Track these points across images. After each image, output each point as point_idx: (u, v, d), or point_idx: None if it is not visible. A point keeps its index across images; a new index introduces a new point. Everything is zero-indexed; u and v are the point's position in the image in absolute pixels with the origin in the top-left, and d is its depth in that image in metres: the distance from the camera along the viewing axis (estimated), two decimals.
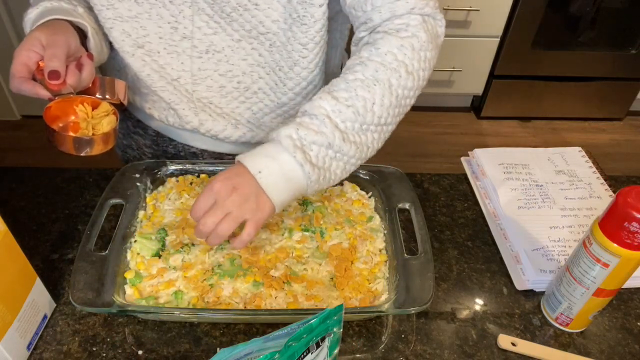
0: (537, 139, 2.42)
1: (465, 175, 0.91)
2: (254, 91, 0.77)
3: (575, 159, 0.91)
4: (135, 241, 0.70)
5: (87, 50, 0.69)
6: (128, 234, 0.70)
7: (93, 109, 0.67)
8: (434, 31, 0.69)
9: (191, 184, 0.79)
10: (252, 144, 0.84)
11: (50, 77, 0.61)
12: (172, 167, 0.79)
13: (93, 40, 0.70)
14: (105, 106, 0.67)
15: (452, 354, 0.64)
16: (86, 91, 0.67)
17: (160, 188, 0.78)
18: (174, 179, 0.79)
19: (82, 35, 0.69)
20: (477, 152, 0.91)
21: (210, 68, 0.74)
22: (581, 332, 0.67)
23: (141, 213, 0.74)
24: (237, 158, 0.62)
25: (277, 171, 0.60)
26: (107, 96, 0.70)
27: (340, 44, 0.84)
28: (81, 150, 0.64)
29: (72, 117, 0.67)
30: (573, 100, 2.43)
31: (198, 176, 0.80)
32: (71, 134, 0.65)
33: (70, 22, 0.67)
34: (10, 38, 2.07)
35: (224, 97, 0.78)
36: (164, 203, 0.76)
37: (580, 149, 0.93)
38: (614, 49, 2.24)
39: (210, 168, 0.80)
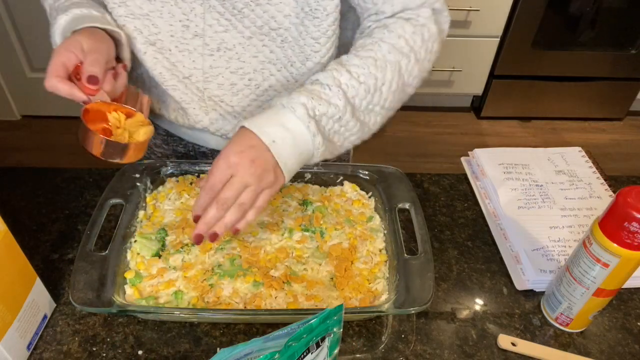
0: (537, 139, 2.42)
1: (465, 175, 0.91)
2: (265, 88, 0.77)
3: (575, 159, 0.91)
4: (135, 241, 0.70)
5: (119, 59, 0.70)
6: (128, 234, 0.70)
7: (126, 119, 0.67)
8: (441, 26, 0.72)
9: (191, 184, 0.79)
10: None
11: (89, 82, 0.61)
12: (172, 167, 0.79)
13: (127, 50, 0.71)
14: (141, 116, 0.68)
15: (452, 354, 0.64)
16: (114, 100, 0.67)
17: (160, 188, 0.78)
18: (174, 179, 0.79)
19: (116, 44, 0.70)
20: (477, 152, 0.91)
21: (222, 66, 0.75)
22: (581, 332, 0.67)
23: (141, 213, 0.74)
24: (246, 124, 0.61)
25: (291, 142, 0.60)
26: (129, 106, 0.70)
27: (352, 43, 0.84)
28: (113, 156, 0.64)
29: (104, 124, 0.67)
30: (573, 100, 2.43)
31: (198, 176, 0.80)
32: (107, 138, 0.65)
33: (106, 31, 0.68)
34: (11, 38, 2.07)
35: (235, 95, 0.78)
36: (164, 203, 0.76)
37: (580, 149, 0.93)
38: (614, 49, 2.24)
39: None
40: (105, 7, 0.72)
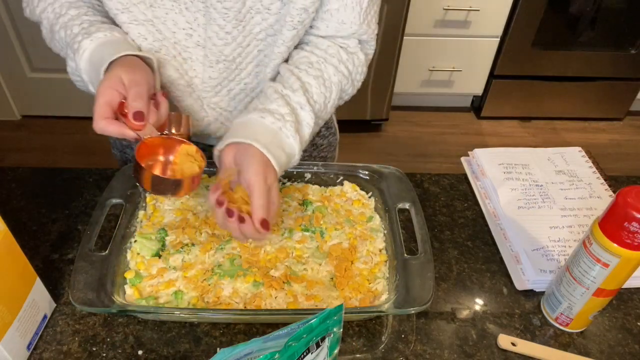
0: (537, 139, 2.42)
1: (465, 175, 0.91)
2: (260, 91, 0.78)
3: (575, 159, 0.91)
4: (135, 241, 0.70)
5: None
6: (128, 234, 0.70)
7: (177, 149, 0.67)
8: (367, 53, 0.79)
9: None
10: None
11: (136, 118, 0.60)
12: None
13: (158, 74, 0.70)
14: (192, 148, 0.67)
15: (452, 354, 0.64)
16: (159, 128, 0.66)
17: None
18: None
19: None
20: (477, 152, 0.91)
21: (220, 76, 0.75)
22: (581, 332, 0.67)
23: (141, 213, 0.74)
24: (259, 147, 0.63)
25: (285, 161, 0.66)
26: (173, 130, 0.69)
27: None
28: (166, 192, 0.64)
29: (156, 157, 0.66)
30: (573, 100, 2.43)
31: None
32: (159, 175, 0.64)
33: (140, 58, 0.67)
34: (10, 38, 2.07)
35: (232, 100, 0.78)
36: (164, 203, 0.76)
37: (580, 149, 0.93)
38: (614, 49, 2.24)
39: (211, 168, 0.80)
40: (109, 17, 0.71)
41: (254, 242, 0.69)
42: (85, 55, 0.65)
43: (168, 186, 0.63)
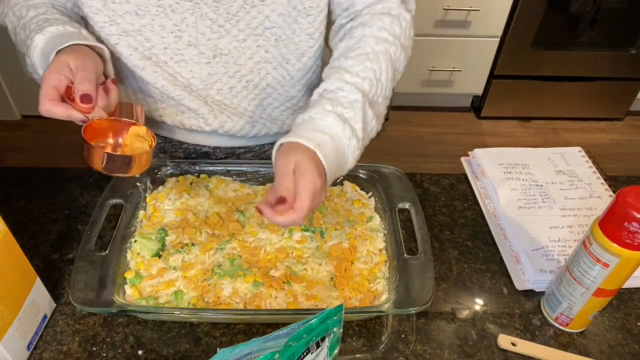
0: (537, 139, 2.42)
1: (465, 175, 0.91)
2: (263, 87, 0.78)
3: (575, 159, 0.91)
4: (135, 241, 0.70)
5: (105, 75, 0.69)
6: (128, 234, 0.70)
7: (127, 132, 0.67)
8: (411, 10, 0.73)
9: (191, 184, 0.79)
10: (267, 137, 0.87)
11: (83, 100, 0.60)
12: (172, 167, 0.79)
13: (110, 64, 0.70)
14: (142, 129, 0.67)
15: (452, 354, 0.64)
16: (109, 115, 0.67)
17: (160, 188, 0.78)
18: (174, 179, 0.79)
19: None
20: (477, 152, 0.91)
21: (219, 72, 0.75)
22: (581, 332, 0.67)
23: (141, 213, 0.74)
24: (288, 140, 0.59)
25: (331, 145, 0.59)
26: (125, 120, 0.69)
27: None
28: (118, 170, 0.63)
29: (105, 139, 0.66)
30: (573, 100, 2.43)
31: (198, 176, 0.80)
32: (111, 152, 0.65)
33: (90, 47, 0.67)
34: (10, 38, 2.07)
35: (235, 97, 0.79)
36: (164, 203, 0.76)
37: (580, 149, 0.93)
38: (614, 49, 2.24)
39: (210, 168, 0.80)
40: (79, 21, 0.71)
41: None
42: (38, 50, 0.66)
43: (118, 164, 0.63)
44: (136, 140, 0.67)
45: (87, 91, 0.60)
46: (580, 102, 2.43)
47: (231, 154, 0.91)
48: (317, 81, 0.81)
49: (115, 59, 0.74)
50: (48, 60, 0.64)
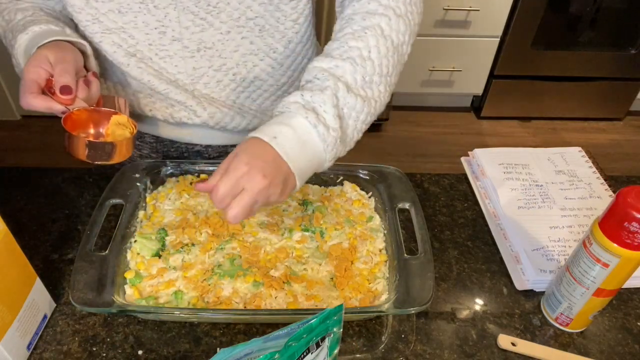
0: (537, 139, 2.42)
1: (465, 175, 0.91)
2: (251, 80, 0.78)
3: (575, 159, 0.91)
4: (135, 241, 0.70)
5: (86, 69, 0.70)
6: (128, 234, 0.70)
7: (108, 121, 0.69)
8: None
9: (191, 184, 0.79)
10: None
11: (63, 92, 0.61)
12: (172, 167, 0.79)
13: (92, 59, 0.71)
14: (123, 117, 0.69)
15: (452, 354, 0.64)
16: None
17: (160, 188, 0.78)
18: (174, 179, 0.79)
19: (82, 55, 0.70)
20: (477, 152, 0.91)
21: (205, 65, 0.75)
22: (581, 332, 0.67)
23: (141, 213, 0.74)
24: (248, 136, 0.59)
25: (292, 135, 0.56)
26: None
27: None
28: (100, 158, 0.65)
29: (86, 130, 0.68)
30: (573, 100, 2.43)
31: (198, 176, 0.80)
32: (92, 140, 0.66)
33: (71, 43, 0.67)
34: None
35: (222, 91, 0.78)
36: (164, 203, 0.76)
37: (580, 149, 0.93)
38: (614, 49, 2.24)
39: (211, 168, 0.80)
40: (67, 23, 0.72)
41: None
42: (21, 49, 0.67)
43: (100, 151, 0.64)
44: (117, 129, 0.68)
45: (67, 83, 0.61)
46: (580, 102, 2.43)
47: (224, 152, 0.90)
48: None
49: (102, 57, 0.75)
50: (29, 57, 0.65)
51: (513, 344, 0.64)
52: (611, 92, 2.40)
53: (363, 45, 0.61)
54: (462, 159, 0.93)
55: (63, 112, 0.62)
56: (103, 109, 0.68)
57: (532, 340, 0.66)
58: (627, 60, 2.27)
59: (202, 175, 0.80)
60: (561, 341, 0.66)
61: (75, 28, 0.73)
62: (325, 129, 0.58)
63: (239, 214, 0.55)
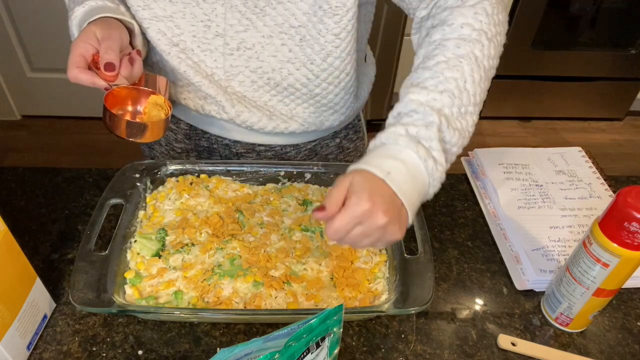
0: (537, 139, 2.42)
1: (465, 175, 0.91)
2: (285, 87, 0.78)
3: (575, 159, 0.91)
4: (135, 241, 0.70)
5: (133, 48, 0.72)
6: (128, 234, 0.70)
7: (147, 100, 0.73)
8: None
9: (191, 184, 0.79)
10: (285, 134, 0.86)
11: (106, 69, 0.64)
12: (172, 167, 0.79)
13: (139, 38, 0.73)
14: (160, 98, 0.72)
15: (452, 354, 0.64)
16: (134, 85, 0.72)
17: (160, 188, 0.78)
18: (174, 179, 0.79)
19: (129, 33, 0.73)
20: (477, 152, 0.91)
21: (242, 64, 0.76)
22: (581, 332, 0.67)
23: (141, 213, 0.74)
24: (355, 166, 0.57)
25: (404, 170, 0.55)
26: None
27: (365, 35, 0.85)
28: (135, 136, 0.68)
29: (125, 107, 0.71)
30: (573, 100, 2.43)
31: (198, 176, 0.80)
32: (127, 119, 0.70)
33: (120, 20, 0.70)
34: (10, 38, 2.07)
35: (256, 92, 0.79)
36: (164, 203, 0.76)
37: (580, 149, 0.93)
38: (614, 49, 2.24)
39: (210, 168, 0.80)
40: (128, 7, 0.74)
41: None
42: (76, 20, 0.70)
43: (135, 130, 0.68)
44: (154, 109, 0.72)
45: (111, 60, 0.64)
46: (580, 102, 2.43)
47: (251, 150, 0.90)
48: (349, 81, 0.80)
49: (149, 44, 0.78)
50: (80, 29, 0.68)
51: (513, 344, 0.64)
52: (611, 92, 2.40)
53: (459, 76, 0.59)
54: (462, 159, 0.93)
55: (106, 89, 0.66)
56: (142, 88, 0.71)
57: (532, 340, 0.66)
58: (627, 60, 2.27)
59: (202, 175, 0.80)
60: (561, 341, 0.66)
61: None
62: (434, 164, 0.57)
63: (366, 245, 0.55)
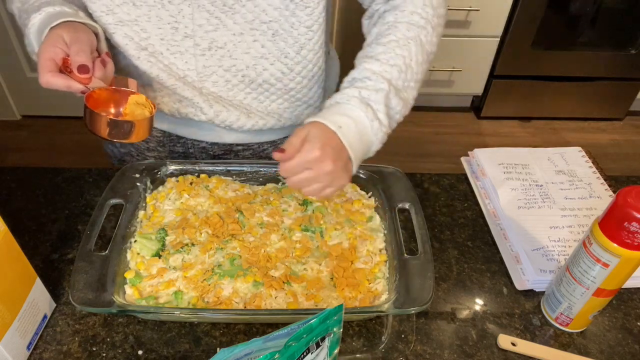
0: (537, 139, 2.42)
1: (465, 175, 0.91)
2: (260, 83, 0.78)
3: (575, 159, 0.91)
4: (135, 241, 0.70)
5: (99, 53, 0.71)
6: (128, 234, 0.70)
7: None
8: None
9: (191, 184, 0.79)
10: (263, 131, 0.87)
11: (80, 71, 0.63)
12: (172, 167, 0.79)
13: (104, 42, 0.72)
14: (141, 97, 0.71)
15: (452, 354, 0.64)
16: None
17: (160, 188, 0.78)
18: (173, 179, 0.79)
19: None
20: (477, 152, 0.91)
21: (214, 64, 0.75)
22: (581, 332, 0.67)
23: (141, 213, 0.74)
24: (312, 119, 0.64)
25: (353, 127, 0.64)
26: None
27: (327, 29, 0.86)
28: (120, 136, 0.67)
29: (106, 108, 0.70)
30: (573, 100, 2.43)
31: (198, 176, 0.80)
32: (113, 118, 0.68)
33: (84, 24, 0.69)
34: (10, 38, 2.07)
35: (230, 90, 0.79)
36: (164, 203, 0.76)
37: (580, 149, 0.93)
38: (614, 49, 2.24)
39: (210, 168, 0.80)
40: (79, 5, 0.72)
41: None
42: (34, 28, 0.67)
43: (121, 129, 0.66)
44: (137, 108, 0.70)
45: (84, 62, 0.63)
46: (580, 102, 2.43)
47: (229, 151, 0.90)
48: (321, 74, 0.82)
49: (114, 49, 0.76)
50: (42, 36, 0.66)
51: (513, 344, 0.64)
52: (611, 92, 2.40)
53: (407, 54, 0.69)
54: (462, 159, 0.93)
55: (83, 92, 0.64)
56: (122, 88, 0.70)
57: (532, 340, 0.66)
58: (627, 60, 2.27)
59: (202, 175, 0.80)
60: (561, 341, 0.66)
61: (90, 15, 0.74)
62: (379, 125, 0.65)
63: (316, 190, 0.63)
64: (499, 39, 2.20)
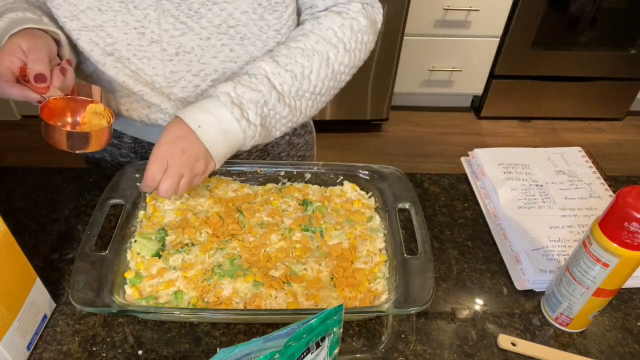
0: (537, 139, 2.42)
1: (465, 175, 0.91)
2: None
3: (575, 159, 0.91)
4: (135, 241, 0.70)
5: (61, 59, 0.70)
6: (128, 234, 0.70)
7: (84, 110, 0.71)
8: (373, 18, 0.76)
9: None
10: None
11: (37, 80, 0.62)
12: None
13: (67, 49, 0.71)
14: (99, 106, 0.70)
15: (452, 354, 0.64)
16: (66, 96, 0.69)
17: None
18: None
19: (56, 43, 0.70)
20: (477, 152, 0.91)
21: (183, 69, 0.74)
22: (581, 332, 0.67)
23: (141, 213, 0.74)
24: (177, 113, 0.67)
25: (216, 125, 0.66)
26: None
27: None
28: (78, 147, 0.67)
29: (63, 118, 0.69)
30: (573, 100, 2.43)
31: None
32: (69, 130, 0.68)
33: (44, 31, 0.67)
34: None
35: (200, 95, 0.77)
36: (164, 203, 0.76)
37: (580, 149, 0.93)
38: (614, 49, 2.24)
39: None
40: (44, 10, 0.72)
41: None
42: None
43: (77, 141, 0.67)
44: (94, 118, 0.70)
45: (41, 71, 0.62)
46: (580, 102, 2.44)
47: None
48: None
49: (80, 55, 0.75)
50: (1, 44, 0.65)
51: (513, 344, 0.64)
52: (611, 92, 2.40)
53: (307, 65, 0.71)
54: (462, 159, 0.93)
55: (39, 101, 0.63)
56: (79, 97, 0.69)
57: (532, 340, 0.66)
58: (627, 60, 2.27)
59: None
60: (561, 341, 0.66)
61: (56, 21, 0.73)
62: (247, 124, 0.67)
63: (169, 187, 0.65)
64: (498, 39, 2.21)
